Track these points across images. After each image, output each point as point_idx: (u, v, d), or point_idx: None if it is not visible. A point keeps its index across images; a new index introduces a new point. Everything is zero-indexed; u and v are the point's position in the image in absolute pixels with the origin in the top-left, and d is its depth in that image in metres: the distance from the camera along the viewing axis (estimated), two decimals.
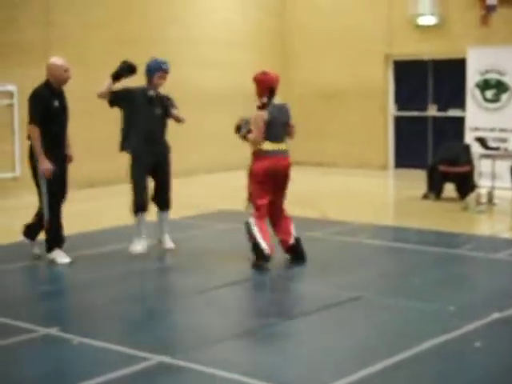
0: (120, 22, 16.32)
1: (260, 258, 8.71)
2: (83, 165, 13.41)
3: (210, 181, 16.94)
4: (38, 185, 8.88)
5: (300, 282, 8.50)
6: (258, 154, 8.89)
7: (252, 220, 8.81)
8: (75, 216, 10.58)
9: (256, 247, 8.73)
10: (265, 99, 8.88)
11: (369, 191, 15.16)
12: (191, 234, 10.66)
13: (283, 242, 9.05)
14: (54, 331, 6.48)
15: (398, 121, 18.69)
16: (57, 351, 6.16)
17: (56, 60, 9.08)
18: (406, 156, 18.52)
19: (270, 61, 18.66)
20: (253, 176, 8.93)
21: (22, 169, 14.59)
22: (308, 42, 19.57)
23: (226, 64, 18.45)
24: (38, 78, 14.51)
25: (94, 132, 15.25)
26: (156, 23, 17.12)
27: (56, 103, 8.92)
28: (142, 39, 16.53)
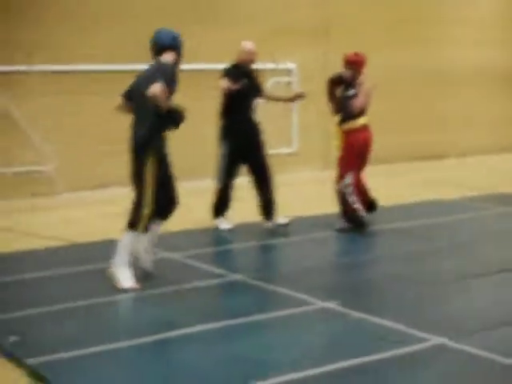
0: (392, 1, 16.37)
1: (359, 227, 9.31)
2: None
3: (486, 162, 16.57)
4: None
5: None
6: (355, 129, 9.34)
7: (351, 191, 9.24)
8: None
9: (356, 217, 9.30)
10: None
11: None
12: (462, 217, 10.52)
13: (364, 202, 9.50)
14: (332, 305, 6.63)
15: None
16: (333, 325, 6.27)
17: (246, 44, 9.71)
18: None
19: None
20: (354, 152, 9.34)
21: (298, 144, 15.02)
22: None
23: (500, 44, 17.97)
24: (316, 57, 14.86)
25: None
26: (428, 2, 16.97)
27: (244, 81, 9.45)
28: (411, 18, 16.47)
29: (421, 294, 7.11)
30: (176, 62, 7.35)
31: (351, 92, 9.36)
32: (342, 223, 9.49)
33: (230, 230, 9.64)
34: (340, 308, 6.54)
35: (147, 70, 7.36)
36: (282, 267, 8.41)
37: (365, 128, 9.44)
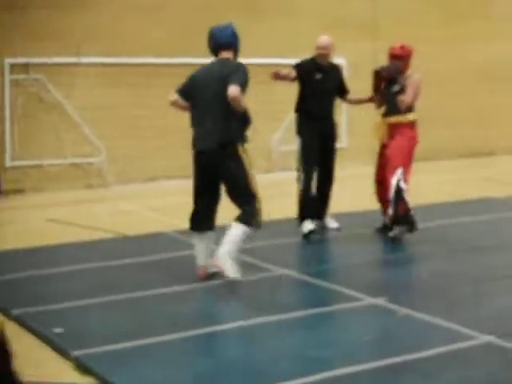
0: None
1: (411, 229, 8.68)
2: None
3: None
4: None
5: None
6: (407, 124, 8.77)
7: (404, 188, 8.62)
8: None
9: (408, 218, 8.65)
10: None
11: None
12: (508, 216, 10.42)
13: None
14: (381, 301, 6.62)
15: None
16: (382, 321, 6.28)
17: (318, 37, 9.26)
18: None
19: None
20: (403, 148, 8.73)
21: (348, 140, 14.99)
22: None
23: None
24: (365, 51, 14.79)
25: None
26: None
27: (318, 76, 9.09)
28: (465, 14, 16.37)
29: (468, 291, 7.05)
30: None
31: (396, 87, 8.81)
32: (395, 230, 8.77)
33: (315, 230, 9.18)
34: (388, 304, 6.53)
35: (214, 69, 7.09)
36: (329, 263, 8.42)
37: (414, 125, 8.89)
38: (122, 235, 9.44)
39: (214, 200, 7.18)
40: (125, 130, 13.12)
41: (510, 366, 5.33)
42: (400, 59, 8.79)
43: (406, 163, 8.77)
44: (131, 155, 13.17)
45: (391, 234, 8.74)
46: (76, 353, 5.50)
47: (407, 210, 8.64)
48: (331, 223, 9.52)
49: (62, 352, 5.60)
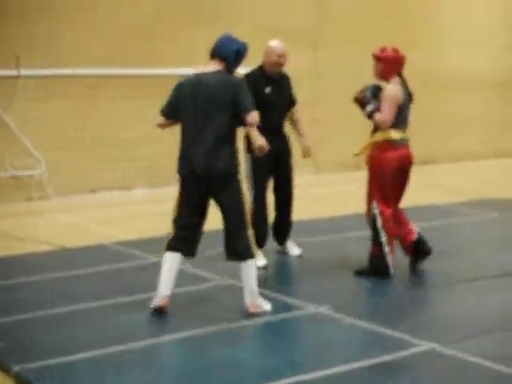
0: (393, 6, 16.46)
1: (381, 274, 7.49)
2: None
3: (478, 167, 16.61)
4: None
5: None
6: (383, 145, 7.47)
7: (380, 225, 7.49)
8: None
9: (380, 262, 7.50)
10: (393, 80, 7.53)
11: None
12: (453, 222, 10.50)
13: (404, 240, 7.74)
14: (324, 309, 6.61)
15: None
16: (325, 330, 6.24)
17: (272, 43, 8.30)
18: None
19: None
20: (379, 174, 7.50)
21: None
22: None
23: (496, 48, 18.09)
24: (305, 61, 14.78)
25: None
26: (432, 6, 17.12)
27: (268, 89, 8.18)
28: (416, 22, 16.59)
29: (413, 298, 7.11)
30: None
31: (369, 108, 7.50)
32: (365, 266, 7.73)
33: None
34: (332, 312, 6.53)
35: (206, 83, 6.45)
36: (274, 271, 8.36)
37: (397, 144, 7.52)
38: (62, 247, 9.32)
39: (202, 224, 6.70)
40: (65, 142, 12.97)
41: (452, 373, 5.35)
42: (378, 62, 7.58)
43: (385, 190, 7.51)
44: (72, 167, 13.03)
45: (357, 268, 7.76)
46: (17, 368, 5.40)
47: (379, 254, 7.53)
48: (293, 250, 8.73)
49: (3, 367, 5.49)
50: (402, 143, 7.54)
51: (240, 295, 6.68)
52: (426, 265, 7.96)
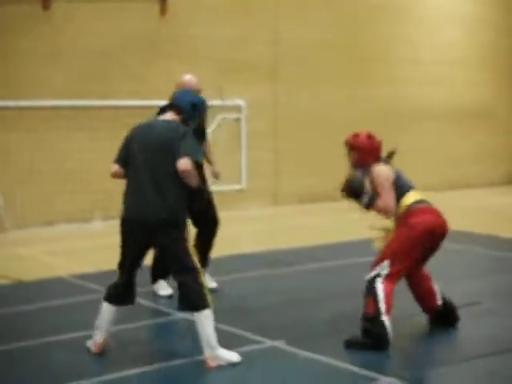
0: (347, 41, 16.61)
1: (376, 341, 6.49)
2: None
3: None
4: None
5: None
6: (406, 213, 6.71)
7: (381, 284, 6.58)
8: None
9: (376, 324, 6.50)
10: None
11: None
12: None
13: (428, 309, 7.10)
14: (280, 344, 6.64)
15: None
16: (282, 364, 6.25)
17: (185, 78, 8.28)
18: None
19: (502, 81, 18.52)
20: (402, 237, 6.66)
21: (247, 181, 15.06)
22: None
23: (452, 82, 18.40)
24: (265, 93, 14.96)
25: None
26: (383, 42, 17.28)
27: None
28: (369, 57, 16.76)
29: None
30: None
31: (366, 199, 6.78)
32: (355, 335, 6.67)
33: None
34: (287, 347, 6.55)
35: (154, 130, 6.35)
36: (226, 305, 8.29)
37: (412, 211, 6.73)
38: (18, 281, 9.25)
39: (137, 272, 6.52)
40: (23, 175, 12.91)
41: None
42: (352, 151, 6.91)
43: (400, 256, 6.61)
44: (29, 200, 12.95)
45: (349, 337, 6.67)
46: None
47: (375, 316, 6.51)
48: (209, 283, 8.20)
49: None
50: (417, 209, 6.73)
51: (191, 330, 6.69)
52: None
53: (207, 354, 6.18)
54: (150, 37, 14.19)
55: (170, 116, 6.51)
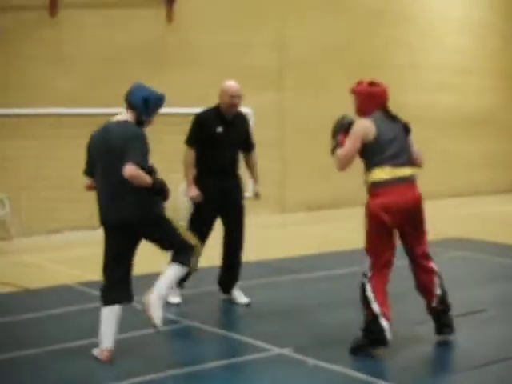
0: (357, 47, 16.60)
1: (375, 341, 6.38)
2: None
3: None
4: None
5: None
6: (370, 188, 6.45)
7: (368, 283, 6.40)
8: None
9: (372, 324, 6.35)
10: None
11: None
12: None
13: (427, 304, 6.81)
14: (287, 351, 6.58)
15: None
16: (289, 372, 6.19)
17: (226, 84, 8.07)
18: None
19: (510, 87, 18.51)
20: (366, 219, 6.44)
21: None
22: None
23: (460, 90, 18.37)
24: (271, 100, 14.91)
25: None
26: (382, 48, 17.26)
27: (219, 129, 7.98)
28: (380, 64, 16.75)
29: None
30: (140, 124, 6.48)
31: (333, 143, 6.60)
32: (355, 338, 6.53)
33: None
34: (295, 354, 6.49)
35: (107, 134, 6.36)
36: (235, 313, 8.29)
37: (379, 188, 6.39)
38: (24, 289, 9.21)
39: (130, 268, 6.55)
40: (29, 182, 12.90)
41: None
42: (353, 95, 6.69)
43: (372, 248, 6.46)
44: (35, 207, 12.94)
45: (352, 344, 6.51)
46: None
47: (372, 318, 6.37)
48: (240, 297, 8.30)
49: None
50: (394, 182, 6.39)
51: (201, 338, 6.65)
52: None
53: (150, 293, 6.30)
54: (156, 43, 14.20)
55: (125, 114, 6.50)
